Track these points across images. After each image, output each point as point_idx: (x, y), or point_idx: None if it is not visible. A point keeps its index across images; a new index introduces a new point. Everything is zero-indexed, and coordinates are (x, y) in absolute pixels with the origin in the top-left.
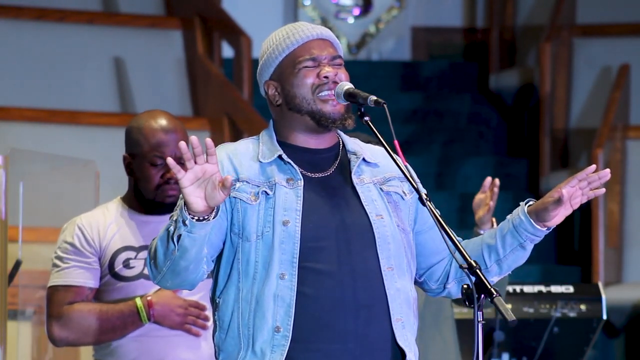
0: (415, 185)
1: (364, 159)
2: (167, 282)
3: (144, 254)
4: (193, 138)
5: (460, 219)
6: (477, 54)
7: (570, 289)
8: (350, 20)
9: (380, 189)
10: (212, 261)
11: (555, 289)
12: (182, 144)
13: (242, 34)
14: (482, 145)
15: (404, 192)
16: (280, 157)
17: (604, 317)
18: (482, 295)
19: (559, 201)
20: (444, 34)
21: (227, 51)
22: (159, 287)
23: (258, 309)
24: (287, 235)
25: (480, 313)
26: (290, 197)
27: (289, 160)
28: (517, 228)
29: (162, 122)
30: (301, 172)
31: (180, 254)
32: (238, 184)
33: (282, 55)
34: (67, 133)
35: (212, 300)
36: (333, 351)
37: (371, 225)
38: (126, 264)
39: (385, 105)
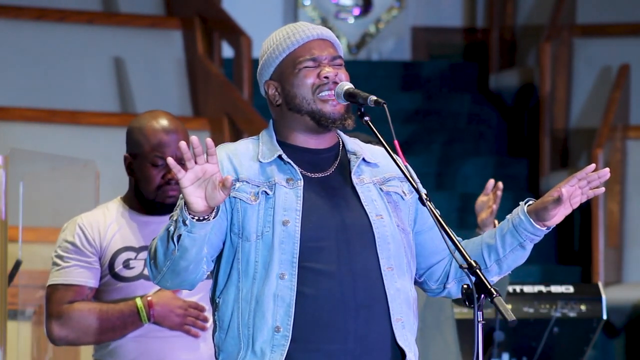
0: (415, 185)
1: (363, 159)
2: (167, 282)
3: (144, 255)
4: (193, 138)
5: (460, 219)
6: (477, 54)
7: (570, 289)
8: (350, 20)
9: (380, 189)
10: (212, 261)
11: (555, 289)
12: (183, 143)
13: (242, 34)
14: (482, 145)
15: (403, 192)
16: (280, 157)
17: (604, 317)
18: (482, 295)
19: (558, 200)
20: (444, 34)
21: (227, 51)
22: (158, 288)
23: (258, 309)
24: (287, 235)
25: (480, 313)
26: (290, 197)
27: (289, 160)
28: (517, 228)
29: (163, 122)
30: (301, 172)
31: (180, 253)
32: (238, 184)
33: (282, 55)
34: (67, 133)
35: (212, 300)
36: (333, 351)
37: (371, 225)
38: (126, 265)
39: (385, 105)
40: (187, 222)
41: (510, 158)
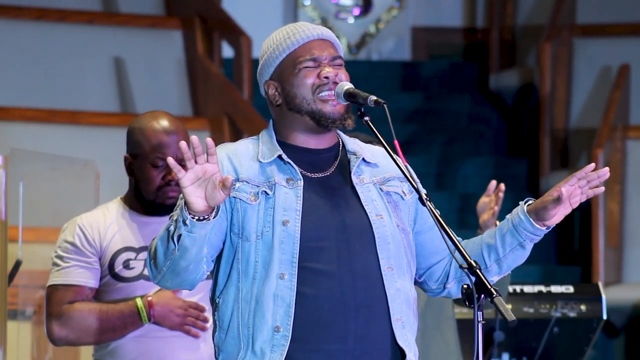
0: (415, 185)
1: (363, 159)
2: (167, 282)
3: (144, 255)
4: (193, 138)
5: (460, 219)
6: (477, 54)
7: (570, 289)
8: (350, 20)
9: (380, 189)
10: (212, 261)
11: (555, 289)
12: (183, 143)
13: (242, 34)
14: (482, 145)
15: (403, 192)
16: (280, 157)
17: (604, 317)
18: (482, 295)
19: (558, 200)
20: (444, 34)
21: (227, 51)
22: (158, 288)
23: (258, 309)
24: (287, 235)
25: (480, 313)
26: (290, 197)
27: (289, 160)
28: (517, 227)
29: (164, 123)
30: (301, 172)
31: (181, 253)
32: (238, 184)
33: (282, 55)
34: (67, 133)
35: (212, 300)
36: (333, 351)
37: (371, 225)
38: (126, 265)
39: (385, 105)
40: (187, 221)
41: (510, 158)
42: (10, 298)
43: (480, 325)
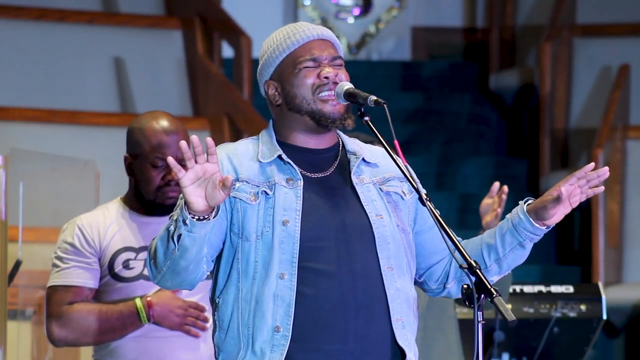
0: (415, 185)
1: (363, 159)
2: (167, 282)
3: (143, 255)
4: (194, 137)
5: (460, 219)
6: (477, 54)
7: (570, 289)
8: (350, 20)
9: (380, 189)
10: (212, 261)
11: (555, 289)
12: (183, 143)
13: (242, 34)
14: (482, 145)
15: (403, 192)
16: (280, 157)
17: (604, 317)
18: (482, 295)
19: (557, 199)
20: (444, 34)
21: (227, 51)
22: (158, 288)
23: (258, 309)
24: (287, 235)
25: (480, 313)
26: (289, 197)
27: (289, 160)
28: (517, 227)
29: (164, 123)
30: (301, 172)
31: (181, 253)
32: (238, 184)
33: (282, 55)
34: (67, 133)
35: (212, 300)
36: (333, 351)
37: (371, 225)
38: (126, 265)
39: (385, 105)
40: (187, 221)
41: (510, 158)
42: (10, 298)
43: (480, 325)
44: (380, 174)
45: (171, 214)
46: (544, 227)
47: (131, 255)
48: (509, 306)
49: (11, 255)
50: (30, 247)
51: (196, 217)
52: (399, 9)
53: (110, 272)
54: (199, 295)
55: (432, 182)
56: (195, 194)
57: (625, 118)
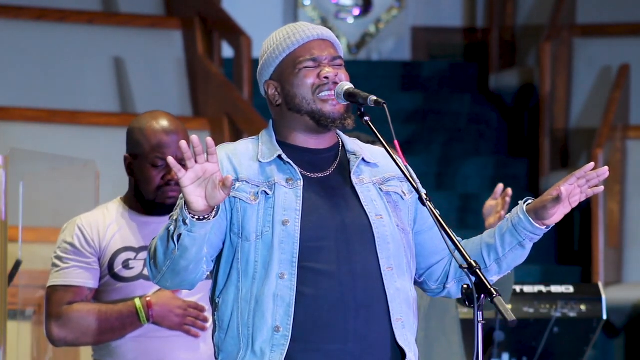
0: (415, 185)
1: (363, 159)
2: (167, 281)
3: (143, 255)
4: (194, 137)
5: (460, 219)
6: (477, 54)
7: (570, 289)
8: (350, 20)
9: (380, 189)
10: (212, 261)
11: (555, 289)
12: (183, 143)
13: (242, 34)
14: (482, 145)
15: (403, 192)
16: (279, 157)
17: (604, 317)
18: (482, 295)
19: (557, 199)
20: (444, 34)
21: (227, 51)
22: (158, 288)
23: (258, 309)
24: (287, 235)
25: (480, 313)
26: (289, 197)
27: (289, 160)
28: (516, 227)
29: (164, 123)
30: (301, 172)
31: (180, 253)
32: (238, 184)
33: (282, 55)
34: (67, 133)
35: (212, 300)
36: (333, 351)
37: (371, 225)
38: (126, 265)
39: (385, 105)
40: (187, 221)
41: (510, 158)
42: (10, 298)
43: (480, 325)
44: (380, 174)
45: (171, 214)
46: (543, 227)
47: (131, 255)
48: (509, 306)
49: (11, 255)
50: (30, 247)
51: (196, 217)
52: (399, 9)
53: (110, 272)
54: (199, 295)
55: (432, 182)
56: (195, 194)
57: (625, 118)
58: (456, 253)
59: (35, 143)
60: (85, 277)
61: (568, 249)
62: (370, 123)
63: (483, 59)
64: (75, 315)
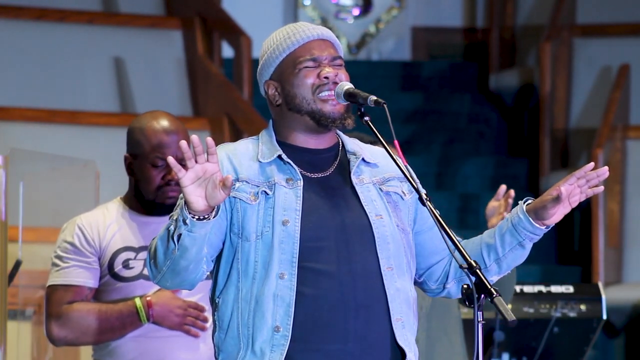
0: (415, 185)
1: (363, 159)
2: (167, 281)
3: (143, 255)
4: (194, 137)
5: (460, 219)
6: (477, 54)
7: (570, 289)
8: (350, 20)
9: (380, 189)
10: (212, 261)
11: (555, 289)
12: (183, 142)
13: (242, 34)
14: (482, 145)
15: (403, 192)
16: (279, 157)
17: (604, 317)
18: (482, 295)
19: (557, 199)
20: (444, 34)
21: (227, 51)
22: (158, 288)
23: (257, 309)
24: (287, 235)
25: (480, 313)
26: (289, 197)
27: (289, 160)
28: (516, 227)
29: (164, 123)
30: (301, 172)
31: (181, 253)
32: (238, 184)
33: (282, 55)
34: (67, 133)
35: (212, 300)
36: (333, 351)
37: (371, 226)
38: (126, 265)
39: (385, 105)
40: (188, 221)
41: (510, 158)
42: (10, 298)
43: (480, 325)
44: (380, 174)
45: (171, 214)
46: (543, 227)
47: (131, 255)
48: (509, 306)
49: (11, 255)
50: (30, 247)
51: (196, 217)
52: (399, 9)
53: (110, 271)
54: (199, 295)
55: (432, 182)
56: (195, 194)
57: (625, 118)
58: (456, 253)
59: (35, 143)
60: (85, 277)
61: (568, 249)
62: (370, 123)
63: (483, 59)
64: (75, 315)
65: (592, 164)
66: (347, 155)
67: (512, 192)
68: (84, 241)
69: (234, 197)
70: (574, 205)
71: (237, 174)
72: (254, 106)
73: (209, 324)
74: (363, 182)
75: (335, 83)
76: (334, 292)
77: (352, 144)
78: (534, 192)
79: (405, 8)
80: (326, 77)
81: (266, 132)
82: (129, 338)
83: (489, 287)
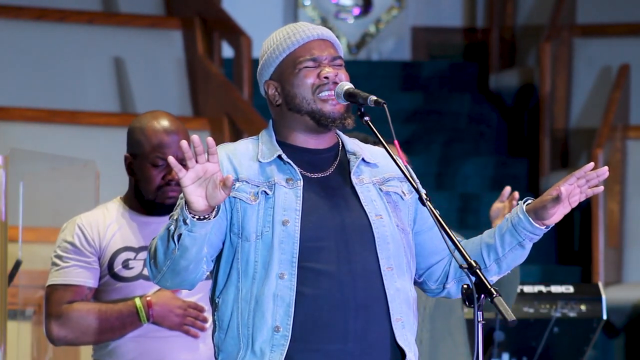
0: (415, 185)
1: (363, 159)
2: (167, 281)
3: (143, 255)
4: (194, 137)
5: (460, 219)
6: (477, 54)
7: (570, 289)
8: (350, 20)
9: (380, 189)
10: (212, 261)
11: (555, 289)
12: (184, 142)
13: (242, 34)
14: (482, 145)
15: (403, 192)
16: (279, 157)
17: (604, 317)
18: (482, 295)
19: (557, 199)
20: (444, 34)
21: (227, 51)
22: (158, 288)
23: (257, 309)
24: (287, 235)
25: (480, 313)
26: (289, 197)
27: (289, 160)
28: (516, 227)
29: (164, 123)
30: (300, 172)
31: (181, 253)
32: (238, 184)
33: (282, 55)
34: (67, 133)
35: (212, 300)
36: (333, 351)
37: (370, 226)
38: (125, 265)
39: (385, 105)
40: (188, 221)
41: (510, 158)
42: (10, 298)
43: (480, 325)
44: (380, 174)
45: (171, 214)
46: (543, 227)
47: (131, 255)
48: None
49: (11, 255)
50: (30, 247)
51: (196, 217)
52: (399, 9)
53: (109, 271)
54: (199, 295)
55: (432, 182)
56: (195, 194)
57: (625, 118)
58: (456, 253)
59: (35, 143)
60: (85, 276)
61: (568, 249)
62: (370, 123)
63: (483, 59)
64: (75, 315)
65: (592, 164)
66: (347, 155)
67: (516, 194)
68: (84, 241)
69: (234, 197)
70: (574, 205)
71: (237, 174)
72: (254, 106)
73: (209, 324)
74: (363, 182)
75: (335, 83)
76: (334, 292)
77: (352, 144)
78: (534, 192)
79: (405, 8)
80: (326, 77)
81: (266, 132)
82: (128, 338)
83: (489, 287)
